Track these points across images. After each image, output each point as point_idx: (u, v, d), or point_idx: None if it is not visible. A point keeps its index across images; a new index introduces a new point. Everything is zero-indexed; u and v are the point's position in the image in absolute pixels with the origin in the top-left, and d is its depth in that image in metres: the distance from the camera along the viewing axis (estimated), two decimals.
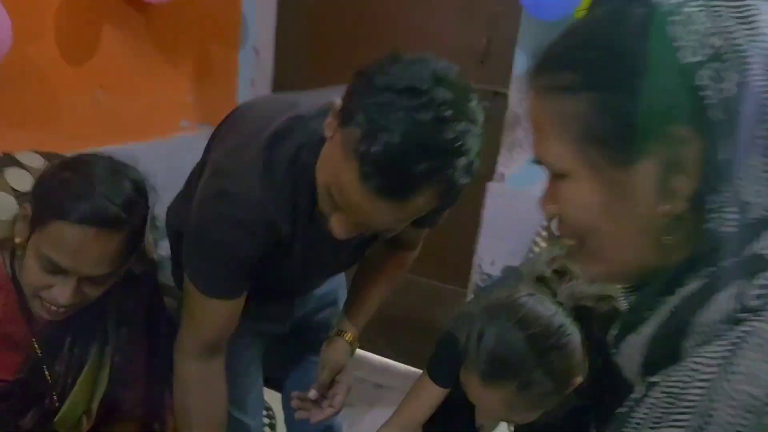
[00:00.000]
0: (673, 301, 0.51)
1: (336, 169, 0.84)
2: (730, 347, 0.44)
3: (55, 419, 1.07)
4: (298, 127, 0.98)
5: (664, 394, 0.47)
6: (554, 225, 0.60)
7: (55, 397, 1.07)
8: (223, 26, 2.47)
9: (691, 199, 0.50)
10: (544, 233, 2.16)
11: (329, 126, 0.90)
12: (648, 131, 0.49)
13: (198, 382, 1.11)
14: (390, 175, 0.79)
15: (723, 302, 0.46)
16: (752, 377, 0.42)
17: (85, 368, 1.10)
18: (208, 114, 2.40)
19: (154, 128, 2.23)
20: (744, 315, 0.44)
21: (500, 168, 2.28)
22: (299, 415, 1.22)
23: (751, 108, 0.46)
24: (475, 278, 2.41)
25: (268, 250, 1.01)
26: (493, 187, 2.28)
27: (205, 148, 1.13)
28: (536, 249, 2.15)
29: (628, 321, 0.57)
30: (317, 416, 1.20)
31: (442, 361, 1.18)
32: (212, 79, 2.44)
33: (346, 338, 1.25)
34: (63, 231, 0.93)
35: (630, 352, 0.55)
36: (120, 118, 2.08)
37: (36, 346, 1.05)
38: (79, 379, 1.09)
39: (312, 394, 1.21)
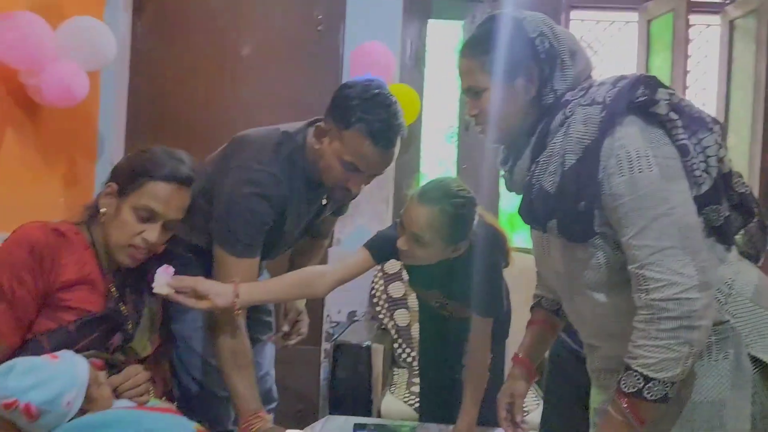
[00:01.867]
0: (536, 135, 1.21)
1: (355, 149, 1.47)
2: (564, 127, 1.15)
3: (132, 342, 1.40)
4: (288, 140, 1.58)
5: (546, 156, 1.17)
6: (474, 122, 1.29)
7: (130, 326, 1.39)
8: (84, 140, 2.83)
9: (537, 92, 1.22)
10: (380, 274, 2.85)
11: (318, 139, 1.53)
12: (518, 68, 1.21)
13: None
14: (387, 135, 1.48)
15: (557, 119, 1.17)
16: (576, 131, 1.13)
17: (145, 309, 1.44)
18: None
19: None
20: (566, 119, 1.16)
21: (337, 234, 2.95)
22: (278, 344, 1.73)
23: (553, 56, 1.19)
24: (326, 327, 2.96)
25: (275, 219, 1.54)
26: (333, 251, 2.92)
27: (210, 168, 1.62)
28: (376, 286, 2.82)
29: (516, 156, 1.25)
30: (292, 341, 1.75)
31: (379, 239, 1.62)
32: (76, 185, 2.75)
33: None
34: (157, 187, 1.36)
35: (519, 170, 1.24)
36: (15, 209, 2.30)
37: (113, 290, 1.39)
38: (143, 316, 1.43)
39: (285, 327, 1.71)
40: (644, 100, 1.11)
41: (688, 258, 1.05)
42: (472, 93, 1.26)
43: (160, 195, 1.37)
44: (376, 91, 1.50)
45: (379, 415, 2.16)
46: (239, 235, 1.51)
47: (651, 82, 1.14)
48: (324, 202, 1.70)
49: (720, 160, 1.14)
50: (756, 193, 2.85)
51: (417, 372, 2.35)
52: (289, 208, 1.58)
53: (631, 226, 1.08)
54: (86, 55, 2.36)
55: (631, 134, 1.09)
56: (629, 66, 3.21)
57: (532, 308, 1.51)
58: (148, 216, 1.36)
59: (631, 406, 1.08)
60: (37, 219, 1.40)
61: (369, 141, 1.47)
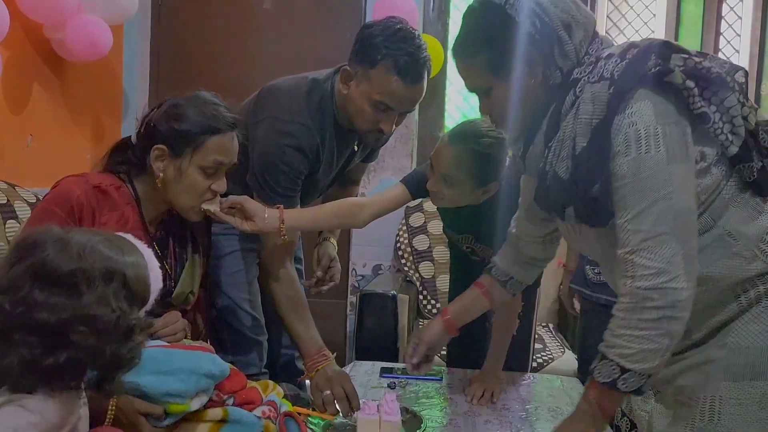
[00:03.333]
0: (547, 117, 1.11)
1: (384, 87, 1.46)
2: (574, 108, 1.06)
3: (173, 295, 1.40)
4: (317, 87, 1.57)
5: (558, 140, 1.10)
6: (490, 117, 1.22)
7: (171, 282, 1.40)
8: (109, 95, 2.85)
9: (543, 75, 1.11)
10: (404, 227, 2.85)
11: (345, 84, 1.52)
12: (516, 57, 1.09)
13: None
14: (415, 68, 1.46)
15: (568, 100, 1.07)
16: (585, 111, 1.05)
17: (186, 263, 1.44)
18: None
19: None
20: (576, 99, 1.08)
21: (361, 189, 2.94)
22: (314, 289, 1.78)
23: (547, 33, 1.08)
24: (352, 281, 2.99)
25: (309, 168, 1.56)
26: None
27: (241, 119, 1.57)
28: (400, 239, 2.83)
29: (527, 139, 1.17)
30: (325, 287, 1.79)
31: (416, 175, 1.65)
32: (103, 140, 2.77)
33: (332, 241, 1.85)
34: (217, 140, 1.33)
35: (532, 156, 1.18)
36: (44, 163, 2.34)
37: (155, 246, 1.38)
38: (184, 270, 1.43)
39: (319, 274, 1.78)
40: (658, 70, 1.03)
41: (679, 246, 1.01)
42: (479, 93, 1.20)
43: (223, 147, 1.36)
44: (399, 26, 1.48)
45: None
46: (277, 188, 1.52)
47: (663, 50, 1.06)
48: (355, 148, 1.70)
49: (745, 118, 1.08)
50: None
51: None
52: (322, 157, 1.58)
53: (629, 209, 1.03)
54: (109, 9, 2.36)
55: (642, 110, 1.02)
56: (660, 10, 3.11)
57: (482, 272, 1.49)
58: (215, 171, 1.36)
59: (600, 401, 1.06)
60: (67, 175, 1.36)
61: (396, 77, 1.45)
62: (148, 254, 0.98)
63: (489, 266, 1.47)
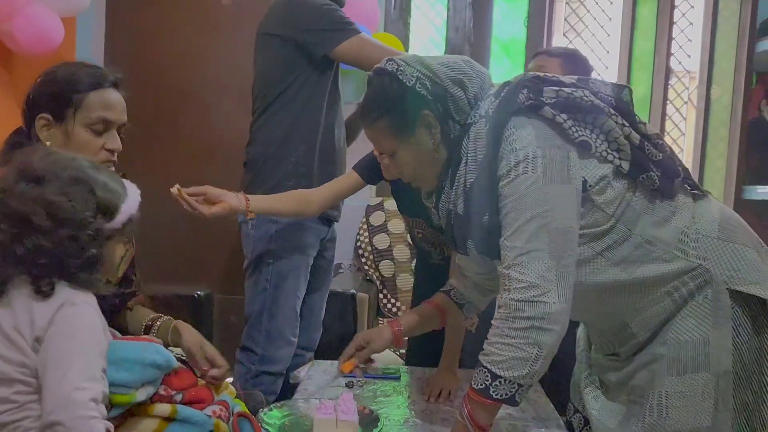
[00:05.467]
0: (451, 167, 1.18)
1: None
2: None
3: None
4: None
5: (456, 182, 1.17)
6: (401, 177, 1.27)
7: None
8: None
9: (442, 132, 1.17)
10: (365, 226, 2.85)
11: None
12: (413, 120, 1.16)
13: None
14: None
15: (464, 143, 1.15)
16: (470, 150, 1.15)
17: None
18: None
19: None
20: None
21: None
22: None
23: (440, 93, 1.16)
24: None
25: None
26: None
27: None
28: (361, 238, 2.82)
29: (439, 191, 1.23)
30: None
31: (367, 158, 1.70)
32: None
33: None
34: (100, 96, 1.29)
35: (443, 204, 1.21)
36: None
37: None
38: None
39: None
40: (530, 104, 1.10)
41: (553, 262, 1.05)
42: (387, 156, 1.26)
43: (107, 102, 1.32)
44: None
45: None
46: (341, 20, 1.81)
47: (533, 84, 1.12)
48: None
49: (627, 137, 1.13)
50: (737, 145, 2.86)
51: None
52: None
53: (508, 227, 1.09)
54: (61, 0, 2.29)
55: (523, 135, 1.09)
56: (615, 15, 3.18)
57: (438, 292, 1.51)
58: (103, 128, 1.32)
59: (472, 411, 1.10)
60: None
61: None
62: (132, 188, 1.09)
63: (447, 288, 1.48)
